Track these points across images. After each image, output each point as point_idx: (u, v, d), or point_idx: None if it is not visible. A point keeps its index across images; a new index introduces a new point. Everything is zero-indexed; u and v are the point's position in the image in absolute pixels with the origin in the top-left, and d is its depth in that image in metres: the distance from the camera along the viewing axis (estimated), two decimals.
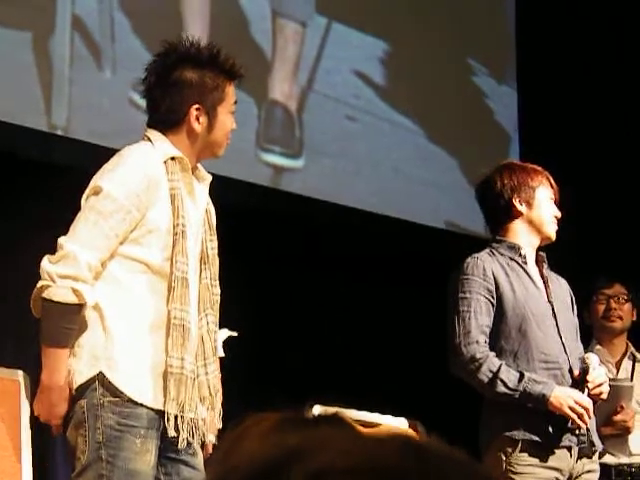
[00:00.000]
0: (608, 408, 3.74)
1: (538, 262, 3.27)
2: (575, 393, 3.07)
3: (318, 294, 5.11)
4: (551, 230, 3.26)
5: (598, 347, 4.21)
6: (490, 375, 3.04)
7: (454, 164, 5.70)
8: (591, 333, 4.27)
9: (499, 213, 3.25)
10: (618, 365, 4.24)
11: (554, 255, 3.36)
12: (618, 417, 3.87)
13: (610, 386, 3.41)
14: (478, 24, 5.98)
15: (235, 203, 4.73)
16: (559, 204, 3.30)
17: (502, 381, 3.03)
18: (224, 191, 4.56)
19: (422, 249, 5.39)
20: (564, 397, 3.04)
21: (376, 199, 5.38)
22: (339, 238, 5.23)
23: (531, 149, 5.73)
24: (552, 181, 3.30)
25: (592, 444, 3.14)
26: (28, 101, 4.38)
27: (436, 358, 3.34)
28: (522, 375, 3.04)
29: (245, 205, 4.93)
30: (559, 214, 3.27)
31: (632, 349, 4.28)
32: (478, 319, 3.09)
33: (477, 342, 3.07)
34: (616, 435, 3.92)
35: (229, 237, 2.98)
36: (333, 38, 5.37)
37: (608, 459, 3.97)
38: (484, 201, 3.30)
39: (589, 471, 3.14)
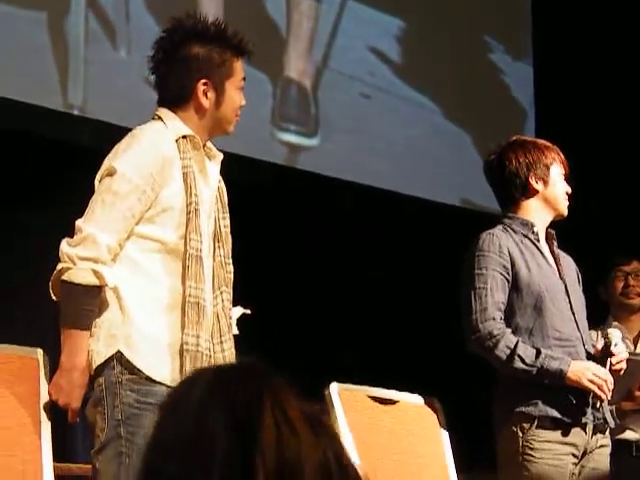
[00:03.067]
0: (628, 383, 3.73)
1: (548, 239, 3.27)
2: (592, 365, 3.08)
3: (333, 271, 5.12)
4: (564, 207, 3.26)
5: (615, 323, 4.21)
6: (508, 352, 3.04)
7: (470, 141, 5.69)
8: (607, 309, 4.27)
9: (514, 191, 3.23)
10: (636, 342, 4.24)
11: (568, 231, 3.35)
12: None
13: (632, 361, 3.41)
14: (494, 1, 5.94)
15: (251, 182, 4.74)
16: (569, 179, 3.30)
17: (520, 357, 3.04)
18: (240, 170, 4.57)
19: (437, 227, 5.39)
20: (582, 370, 3.05)
21: (391, 177, 5.37)
22: (354, 216, 5.23)
23: (547, 125, 5.71)
24: (562, 156, 3.29)
25: (605, 421, 3.14)
26: (44, 81, 4.39)
27: (453, 335, 3.35)
28: (539, 351, 3.04)
29: (261, 183, 4.94)
30: (570, 190, 3.27)
31: None
32: (494, 296, 3.09)
33: (494, 319, 3.07)
34: (636, 410, 3.91)
35: (244, 215, 2.98)
36: (348, 15, 5.35)
37: (628, 435, 3.98)
38: (496, 178, 3.29)
39: (602, 446, 3.15)
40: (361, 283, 5.21)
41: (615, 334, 3.17)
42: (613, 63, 5.87)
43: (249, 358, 1.11)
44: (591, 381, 3.04)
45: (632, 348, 4.19)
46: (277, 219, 4.94)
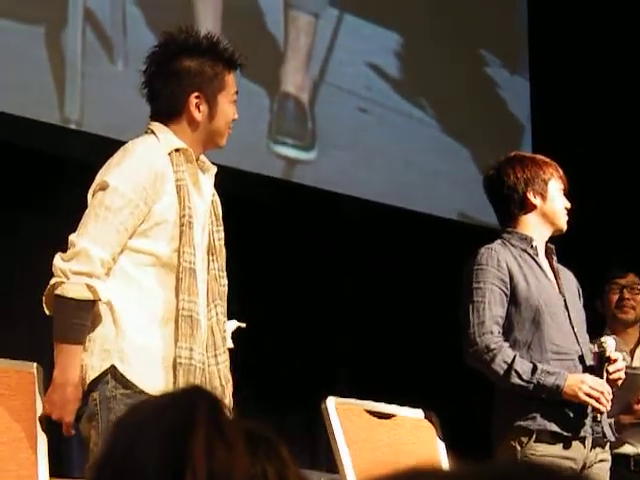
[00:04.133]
0: (627, 397, 3.73)
1: (547, 254, 3.27)
2: (588, 378, 3.07)
3: (330, 285, 5.11)
4: (563, 222, 3.26)
5: (612, 336, 4.20)
6: (505, 366, 3.04)
7: (467, 155, 5.69)
8: (604, 322, 4.26)
9: (512, 206, 3.24)
10: (632, 354, 4.23)
11: (567, 245, 3.36)
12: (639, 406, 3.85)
13: (629, 374, 3.40)
14: (490, 15, 5.96)
15: (247, 195, 4.74)
16: (567, 194, 3.30)
17: (516, 372, 3.03)
18: (236, 183, 4.57)
19: (435, 240, 5.39)
20: (577, 384, 3.04)
21: (388, 191, 5.38)
22: (351, 230, 5.23)
23: (543, 139, 5.72)
24: (561, 172, 3.30)
25: (604, 434, 3.13)
26: (41, 95, 4.39)
27: (450, 349, 3.34)
28: (535, 367, 3.04)
29: (257, 197, 4.94)
30: (569, 205, 3.28)
31: None
32: (492, 309, 3.10)
33: (491, 332, 3.07)
34: (635, 424, 3.90)
35: (241, 229, 2.98)
36: (345, 30, 5.37)
37: (627, 449, 3.96)
38: (494, 194, 3.30)
39: (602, 460, 3.14)
40: (358, 296, 5.20)
41: (609, 342, 3.17)
42: (609, 76, 5.89)
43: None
44: (588, 394, 3.03)
45: (629, 361, 4.18)
46: (273, 232, 4.93)
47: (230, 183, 2.91)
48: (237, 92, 2.77)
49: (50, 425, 2.65)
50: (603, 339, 3.19)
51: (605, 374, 3.11)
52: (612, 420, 3.32)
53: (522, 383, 3.03)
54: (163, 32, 2.79)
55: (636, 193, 5.70)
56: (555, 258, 3.28)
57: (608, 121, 5.81)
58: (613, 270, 4.31)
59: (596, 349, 3.18)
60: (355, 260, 5.19)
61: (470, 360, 3.11)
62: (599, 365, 3.14)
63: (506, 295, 3.13)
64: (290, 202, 5.11)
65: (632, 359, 4.21)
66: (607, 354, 3.13)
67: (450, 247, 3.61)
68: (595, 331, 4.26)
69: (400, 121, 5.50)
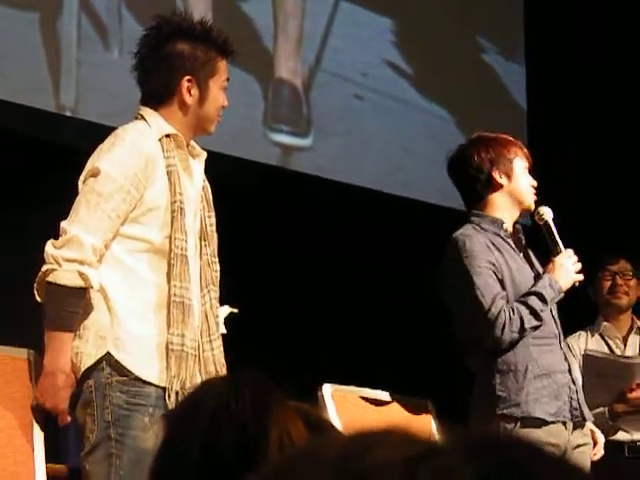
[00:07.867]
0: (620, 385, 3.74)
1: (514, 234, 3.28)
2: (564, 262, 3.15)
3: (327, 273, 5.12)
4: (530, 200, 3.25)
5: (605, 323, 4.21)
6: (518, 321, 3.09)
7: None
8: (597, 309, 4.27)
9: (478, 187, 3.23)
10: (625, 340, 4.23)
11: (562, 230, 3.36)
12: (633, 394, 3.86)
13: (622, 363, 3.40)
14: (486, 1, 5.95)
15: (243, 183, 4.74)
16: (531, 172, 3.30)
17: (527, 319, 3.09)
18: (232, 171, 4.57)
19: (432, 228, 5.38)
20: (564, 276, 3.14)
21: (385, 178, 5.37)
22: (348, 217, 5.23)
23: (540, 125, 5.72)
24: (525, 150, 3.31)
25: (583, 417, 3.15)
26: (36, 82, 4.38)
27: (446, 336, 3.35)
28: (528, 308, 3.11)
29: (253, 185, 4.93)
30: (535, 183, 3.27)
31: (639, 324, 4.27)
32: (494, 289, 3.11)
33: (495, 303, 3.11)
34: (629, 412, 3.91)
35: (238, 217, 2.98)
36: (341, 16, 5.36)
37: (621, 436, 3.97)
38: (460, 175, 3.29)
39: (582, 444, 3.15)
40: (353, 284, 5.20)
41: (546, 210, 3.23)
42: (605, 61, 5.88)
43: (252, 371, 1.10)
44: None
45: (622, 348, 4.19)
46: (269, 220, 4.93)
47: (226, 170, 2.91)
48: (228, 79, 2.77)
49: (46, 412, 2.66)
50: (539, 209, 3.24)
51: (559, 242, 3.18)
52: (606, 408, 3.32)
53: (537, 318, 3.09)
54: (156, 15, 2.78)
55: (630, 178, 5.70)
56: (522, 237, 3.29)
57: (604, 106, 5.81)
58: (603, 256, 4.31)
59: (538, 222, 3.23)
60: (351, 248, 5.19)
61: (492, 343, 3.08)
62: (550, 237, 3.17)
63: (497, 276, 3.14)
64: (286, 189, 5.10)
65: (625, 346, 4.21)
66: (549, 221, 3.21)
67: (447, 235, 3.59)
68: (588, 318, 4.27)
69: (396, 108, 5.50)
